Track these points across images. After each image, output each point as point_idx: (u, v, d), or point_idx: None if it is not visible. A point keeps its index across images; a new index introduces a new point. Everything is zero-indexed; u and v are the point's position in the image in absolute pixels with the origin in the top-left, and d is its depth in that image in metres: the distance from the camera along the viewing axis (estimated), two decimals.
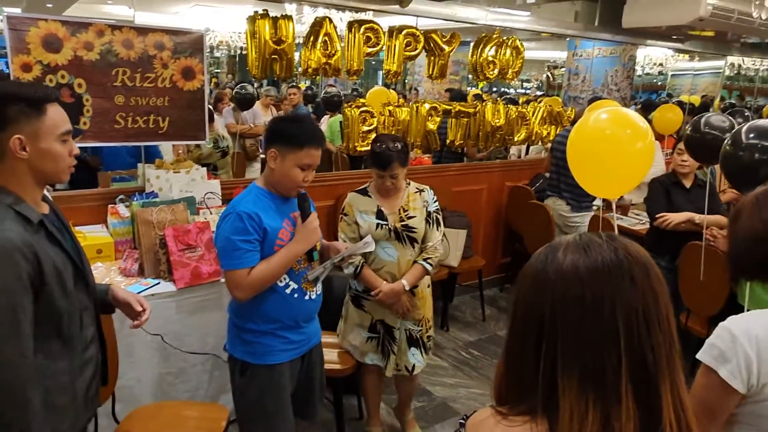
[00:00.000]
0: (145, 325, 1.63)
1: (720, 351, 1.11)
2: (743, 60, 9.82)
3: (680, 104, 7.10)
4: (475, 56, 4.25)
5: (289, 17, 3.28)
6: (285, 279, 1.91)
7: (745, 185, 2.18)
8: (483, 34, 4.25)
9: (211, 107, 4.26)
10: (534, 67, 13.72)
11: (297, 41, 3.43)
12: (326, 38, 3.41)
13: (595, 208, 3.97)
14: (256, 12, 3.16)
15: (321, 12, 5.93)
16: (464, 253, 3.99)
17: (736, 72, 10.33)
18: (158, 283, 2.52)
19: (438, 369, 3.54)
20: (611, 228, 3.44)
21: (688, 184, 3.28)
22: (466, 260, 4.06)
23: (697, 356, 1.15)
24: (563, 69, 8.91)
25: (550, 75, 11.99)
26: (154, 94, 2.88)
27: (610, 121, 2.24)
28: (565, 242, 0.79)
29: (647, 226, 3.57)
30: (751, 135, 1.99)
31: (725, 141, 2.07)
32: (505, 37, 4.33)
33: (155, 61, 2.84)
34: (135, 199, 2.81)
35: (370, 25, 3.63)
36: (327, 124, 5.73)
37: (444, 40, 3.94)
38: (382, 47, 3.69)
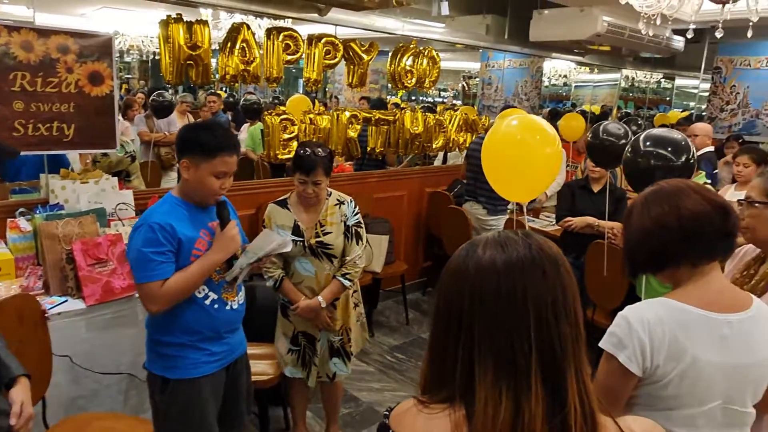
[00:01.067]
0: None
1: (618, 338, 1.21)
2: (636, 73, 10.68)
3: (583, 113, 7.60)
4: (393, 65, 4.35)
5: (204, 22, 3.20)
6: (204, 290, 1.86)
7: (644, 188, 2.38)
8: (400, 44, 4.35)
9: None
10: (450, 77, 14.14)
11: (214, 47, 3.35)
12: (244, 45, 3.37)
13: (509, 211, 4.17)
14: (169, 16, 3.07)
15: (238, 18, 5.82)
16: (387, 259, 4.05)
17: (630, 84, 11.21)
18: (65, 301, 2.37)
19: (364, 374, 3.56)
20: (522, 227, 3.64)
21: (596, 188, 3.52)
22: (388, 266, 4.12)
23: (600, 344, 1.25)
24: (478, 79, 9.28)
25: (465, 85, 12.42)
26: (58, 100, 2.71)
27: (521, 127, 2.36)
28: (485, 239, 0.83)
29: (557, 227, 3.80)
30: (648, 143, 2.19)
31: (626, 148, 2.25)
32: (421, 48, 4.46)
33: (59, 65, 2.68)
34: (38, 211, 2.63)
35: (289, 32, 3.62)
36: (247, 132, 5.63)
37: (363, 49, 4.00)
38: (301, 55, 3.69)
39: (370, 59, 4.06)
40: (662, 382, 1.19)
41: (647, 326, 1.18)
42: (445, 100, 13.12)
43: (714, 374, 1.18)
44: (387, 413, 0.85)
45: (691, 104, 10.65)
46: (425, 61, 4.44)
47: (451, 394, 0.79)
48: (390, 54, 4.33)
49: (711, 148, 4.16)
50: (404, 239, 4.71)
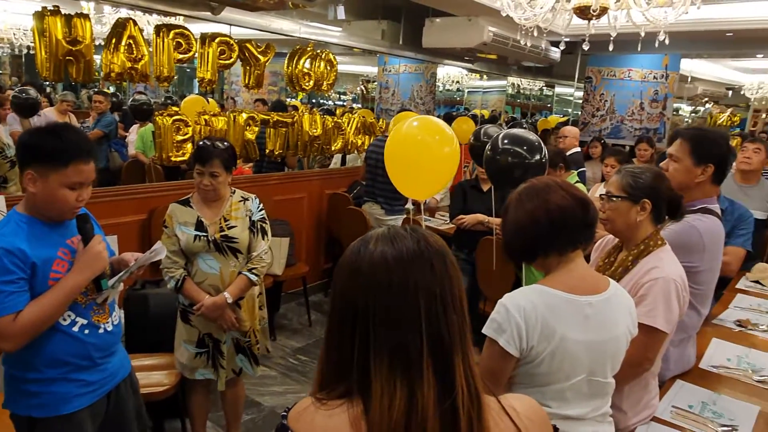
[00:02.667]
0: None
1: (498, 324, 1.33)
2: (521, 80, 11.45)
3: (473, 117, 8.02)
4: (290, 67, 4.35)
5: (85, 16, 3.03)
6: (70, 316, 1.65)
7: (504, 184, 2.58)
8: (297, 47, 4.36)
9: None
10: (350, 81, 14.27)
11: (98, 43, 3.17)
12: (131, 41, 3.22)
13: (406, 211, 4.32)
14: (44, 8, 2.86)
15: (125, 13, 5.51)
16: (288, 261, 4.04)
17: (517, 91, 12.00)
18: None
19: (266, 379, 3.53)
20: (419, 225, 3.79)
21: (485, 187, 3.75)
22: (290, 268, 4.11)
23: (483, 330, 1.37)
24: (376, 83, 9.47)
25: (364, 88, 12.61)
26: None
27: (421, 128, 2.47)
28: (375, 235, 0.87)
29: (451, 226, 4.00)
30: (506, 141, 2.37)
31: (486, 147, 2.43)
32: (318, 51, 4.50)
33: None
34: None
35: (181, 30, 3.51)
36: (137, 133, 5.34)
37: (259, 50, 3.96)
38: (194, 54, 3.59)
39: (267, 60, 4.03)
40: (536, 361, 1.33)
41: (522, 311, 1.31)
42: (344, 104, 13.23)
43: (579, 351, 1.33)
44: (285, 413, 0.85)
45: (569, 110, 11.60)
46: (323, 63, 4.48)
47: (349, 389, 0.81)
48: (287, 56, 4.33)
49: (578, 149, 4.58)
50: (305, 241, 4.71)
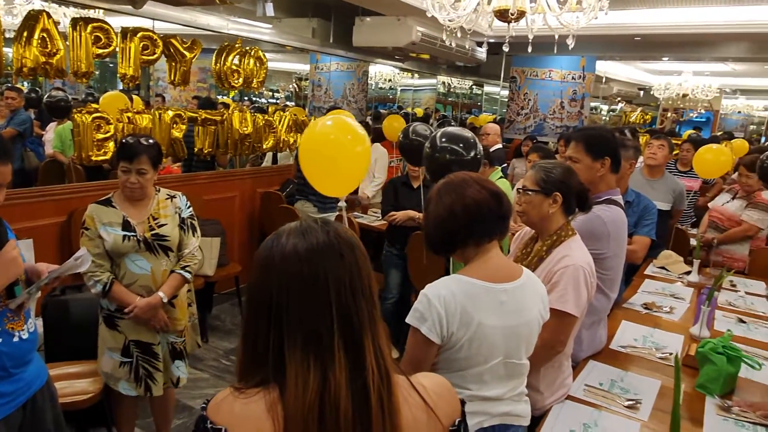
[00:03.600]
0: None
1: (420, 313, 1.40)
2: (451, 80, 11.74)
3: (405, 115, 8.16)
4: (218, 64, 4.27)
5: None
6: None
7: None
8: (225, 43, 4.29)
9: None
10: (283, 78, 14.12)
11: (9, 35, 3.00)
12: (44, 35, 3.07)
13: (338, 208, 4.34)
14: None
15: (38, 4, 5.21)
16: (220, 261, 3.97)
17: (448, 90, 12.29)
18: None
19: (198, 381, 3.46)
20: (353, 225, 3.83)
21: (415, 184, 3.83)
22: (222, 268, 4.05)
23: (406, 320, 1.43)
24: (309, 81, 9.42)
25: (297, 86, 12.51)
26: None
27: (334, 127, 2.51)
28: (288, 229, 0.91)
29: (383, 222, 4.06)
30: (444, 139, 2.47)
31: (425, 145, 2.51)
32: (247, 48, 4.45)
33: None
34: None
35: (99, 24, 3.38)
36: (55, 132, 5.07)
37: (185, 46, 3.87)
38: (114, 49, 3.46)
39: (193, 57, 3.94)
40: (456, 347, 1.40)
41: (443, 300, 1.38)
42: (278, 101, 13.07)
43: (495, 335, 1.42)
44: (204, 405, 0.87)
45: (497, 108, 12.01)
46: (252, 61, 4.43)
47: (265, 377, 0.85)
48: (215, 52, 4.25)
49: (500, 146, 4.78)
50: (238, 240, 4.65)
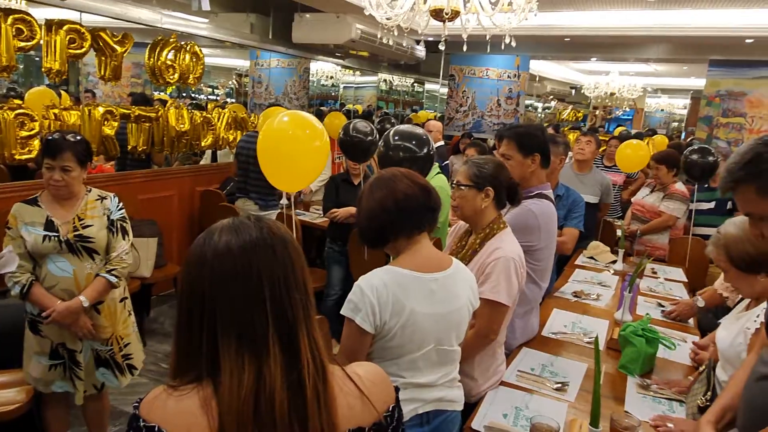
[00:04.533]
0: None
1: (354, 304, 1.43)
2: (393, 77, 11.84)
3: (347, 113, 8.18)
4: (152, 59, 4.14)
5: None
6: None
7: None
8: (159, 38, 4.17)
9: None
10: (223, 74, 13.81)
11: None
12: None
13: (280, 206, 4.32)
14: None
15: None
16: (157, 262, 3.87)
17: (390, 87, 12.38)
18: None
19: (136, 386, 3.33)
20: (295, 223, 3.82)
21: (356, 181, 3.86)
22: (159, 269, 3.94)
23: (341, 312, 1.46)
24: (249, 77, 9.26)
25: (238, 82, 12.26)
26: None
27: (292, 123, 2.51)
28: (221, 226, 0.91)
29: (325, 219, 4.07)
30: (397, 137, 2.51)
31: (379, 143, 2.55)
32: (183, 42, 4.33)
33: None
34: None
35: (21, 15, 3.21)
36: None
37: (115, 40, 3.73)
38: (38, 42, 3.30)
39: (125, 51, 3.80)
40: (389, 335, 1.45)
41: (375, 291, 1.42)
42: (218, 98, 12.77)
43: (426, 322, 1.47)
44: (137, 404, 0.86)
45: (438, 106, 12.21)
46: (188, 56, 4.32)
47: (199, 374, 0.85)
48: (148, 47, 4.12)
49: (442, 143, 4.90)
50: (176, 241, 4.53)
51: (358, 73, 11.05)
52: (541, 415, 1.56)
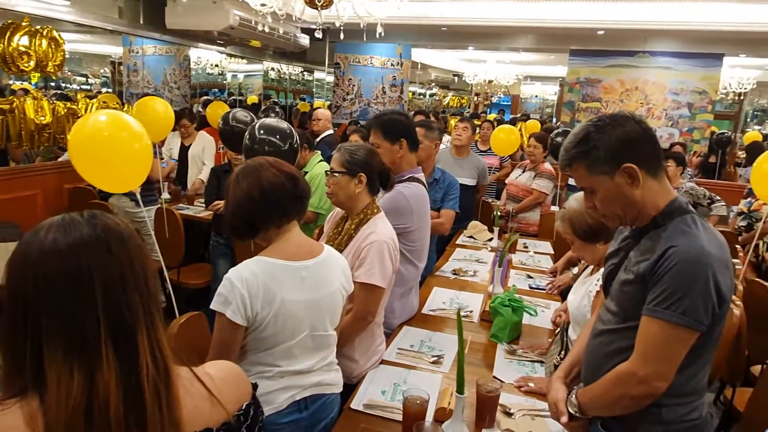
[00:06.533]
0: None
1: (224, 297, 1.41)
2: (281, 65, 11.61)
3: (234, 102, 7.92)
4: (2, 45, 3.75)
5: None
6: None
7: None
8: (9, 21, 3.78)
9: None
10: (96, 62, 12.77)
11: None
12: None
13: (160, 201, 4.11)
14: None
15: None
16: None
17: (279, 75, 12.12)
18: None
19: None
20: (174, 216, 3.66)
21: None
22: None
23: (211, 306, 1.44)
24: (124, 65, 8.65)
25: (114, 71, 11.40)
26: None
27: (108, 123, 2.37)
28: (49, 223, 0.85)
29: (209, 212, 3.94)
30: (262, 132, 2.49)
31: (245, 136, 2.51)
32: (39, 27, 3.97)
33: None
34: None
35: None
36: None
37: None
38: None
39: None
40: (262, 326, 1.45)
41: (245, 282, 1.41)
42: (91, 87, 11.80)
43: (299, 310, 1.49)
44: None
45: (330, 95, 12.16)
46: (45, 42, 3.97)
47: (24, 387, 0.78)
48: None
49: (331, 132, 4.91)
50: None
51: (244, 61, 10.71)
52: (414, 388, 1.64)
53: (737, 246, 4.03)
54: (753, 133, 10.50)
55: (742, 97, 11.75)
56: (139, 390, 0.82)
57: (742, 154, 8.52)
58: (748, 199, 4.52)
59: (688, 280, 1.20)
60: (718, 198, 4.28)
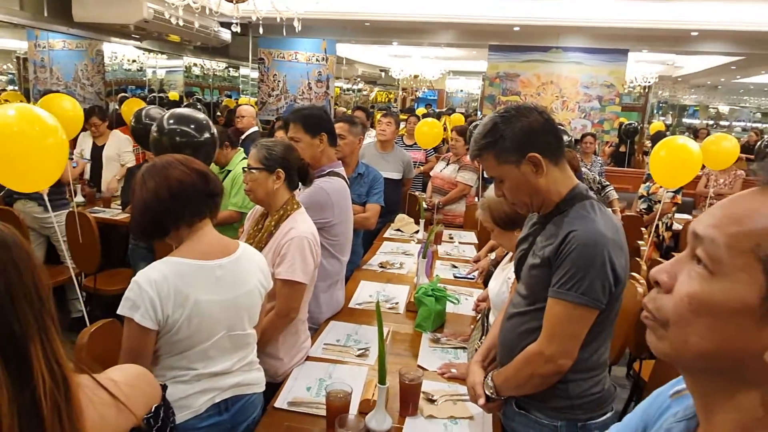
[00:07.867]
0: None
1: (132, 301, 1.35)
2: (204, 61, 11.24)
3: (154, 100, 7.59)
4: None
5: None
6: None
7: None
8: None
9: None
10: (0, 58, 11.88)
11: None
12: None
13: (73, 205, 3.88)
14: None
15: None
16: None
17: (203, 72, 11.73)
18: None
19: None
20: (87, 219, 3.47)
21: None
22: None
23: (118, 311, 1.37)
24: (30, 61, 8.10)
25: (18, 67, 10.64)
26: None
27: (18, 117, 2.23)
28: None
29: (127, 215, 3.76)
30: (171, 121, 2.37)
31: (152, 128, 2.39)
32: None
33: None
34: None
35: None
36: None
37: None
38: None
39: None
40: (175, 329, 1.40)
41: (154, 284, 1.36)
42: None
43: (214, 310, 1.45)
44: None
45: (255, 91, 11.91)
46: None
47: None
48: None
49: (256, 129, 4.82)
50: None
51: (164, 56, 10.27)
52: (338, 382, 1.64)
53: (642, 228, 4.31)
54: (657, 124, 11.66)
55: (647, 90, 12.56)
56: (35, 405, 0.77)
57: (649, 143, 9.13)
58: (647, 183, 4.88)
59: (587, 262, 1.27)
60: (608, 183, 4.50)
